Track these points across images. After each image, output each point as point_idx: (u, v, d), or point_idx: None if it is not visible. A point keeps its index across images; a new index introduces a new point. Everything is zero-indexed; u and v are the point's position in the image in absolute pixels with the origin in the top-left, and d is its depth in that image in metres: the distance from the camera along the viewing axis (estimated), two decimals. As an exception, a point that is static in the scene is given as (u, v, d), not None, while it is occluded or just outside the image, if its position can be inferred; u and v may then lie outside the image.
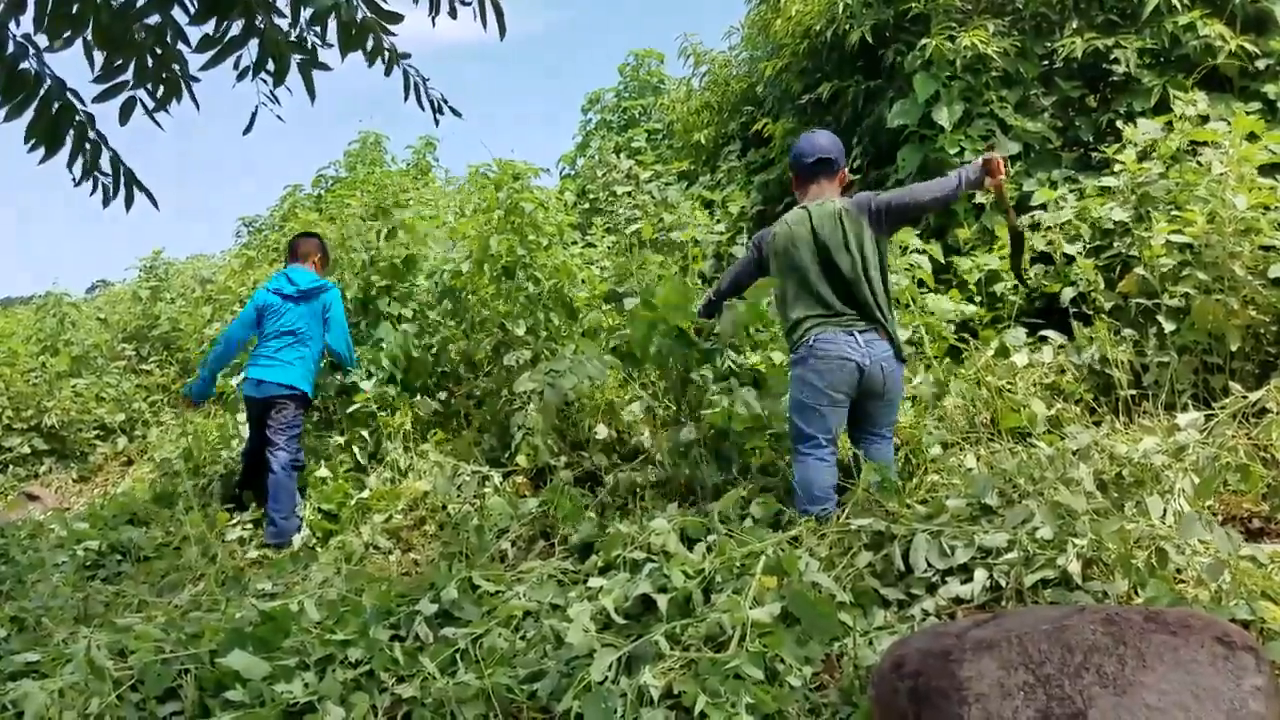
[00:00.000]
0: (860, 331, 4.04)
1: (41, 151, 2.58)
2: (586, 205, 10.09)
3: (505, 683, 2.86)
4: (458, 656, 3.10)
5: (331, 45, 2.62)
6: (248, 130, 2.81)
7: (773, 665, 2.74)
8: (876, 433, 4.19)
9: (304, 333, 5.78)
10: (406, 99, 3.01)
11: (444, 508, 4.98)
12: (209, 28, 2.43)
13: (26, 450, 9.16)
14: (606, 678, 2.78)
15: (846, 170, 4.46)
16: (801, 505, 3.96)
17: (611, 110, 13.19)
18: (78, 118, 2.62)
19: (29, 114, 2.52)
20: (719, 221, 8.66)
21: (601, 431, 4.78)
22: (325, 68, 2.67)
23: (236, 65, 2.53)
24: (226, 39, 2.44)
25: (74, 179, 2.68)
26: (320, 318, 5.86)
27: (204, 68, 2.51)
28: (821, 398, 4.01)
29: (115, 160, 2.78)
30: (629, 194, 9.66)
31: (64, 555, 5.12)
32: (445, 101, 3.14)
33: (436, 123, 3.20)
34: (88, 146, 2.63)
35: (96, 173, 2.75)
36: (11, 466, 9.11)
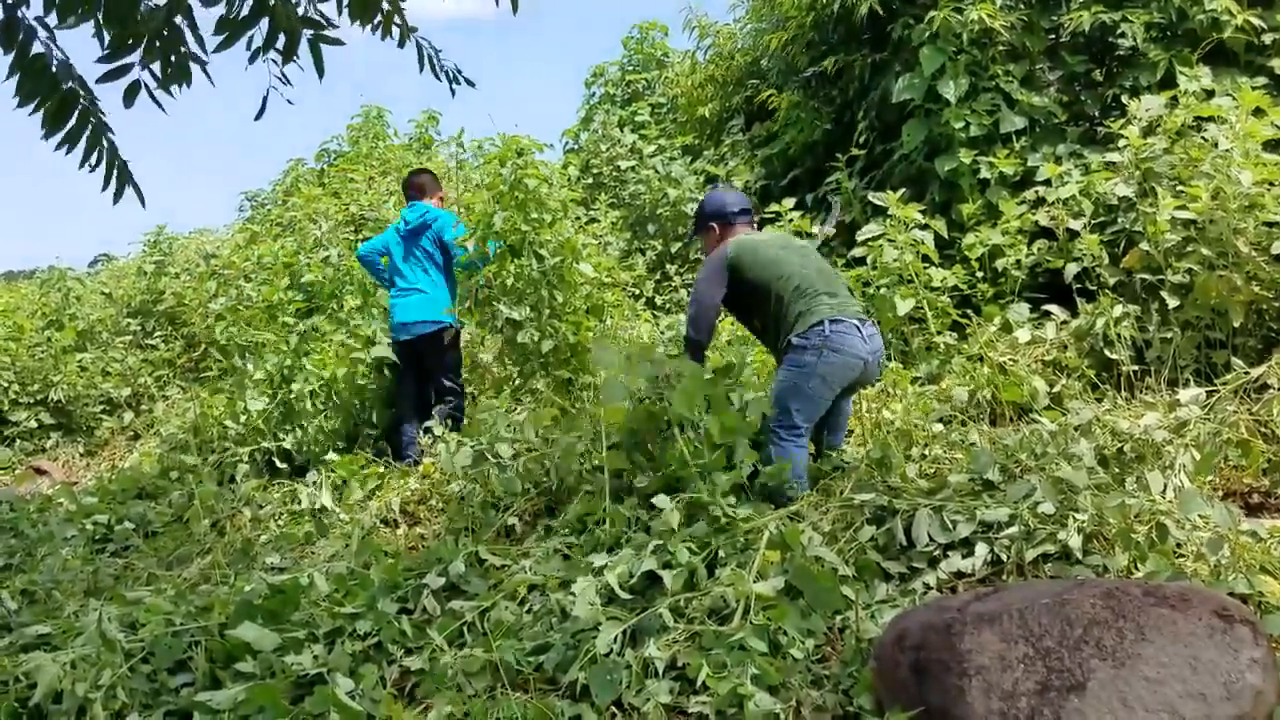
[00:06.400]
0: (863, 325, 4.05)
1: (58, 138, 2.57)
2: (590, 180, 10.07)
3: (512, 655, 2.90)
4: (465, 629, 3.14)
5: (338, 26, 2.63)
6: (259, 115, 2.81)
7: (776, 638, 2.77)
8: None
9: (418, 267, 6.01)
10: (422, 70, 3.02)
11: (450, 483, 5.00)
12: (221, 9, 2.43)
13: (33, 425, 9.20)
14: (612, 650, 2.82)
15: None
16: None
17: (615, 84, 13.13)
18: (82, 102, 2.61)
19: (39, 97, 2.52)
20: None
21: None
22: (338, 43, 2.67)
23: (249, 46, 2.53)
24: (239, 19, 2.44)
25: (89, 166, 2.68)
26: (435, 247, 6.04)
27: (217, 50, 2.51)
28: (826, 392, 4.00)
29: (112, 151, 2.77)
30: (633, 169, 9.66)
31: (73, 529, 5.15)
32: (460, 72, 3.16)
33: (453, 93, 3.22)
34: (88, 132, 2.63)
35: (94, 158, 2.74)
36: (18, 441, 9.16)
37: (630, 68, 13.23)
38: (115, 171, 2.80)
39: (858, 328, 3.96)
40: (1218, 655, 2.11)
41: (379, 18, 2.71)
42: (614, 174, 9.95)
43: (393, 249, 6.06)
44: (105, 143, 2.70)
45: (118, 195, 2.83)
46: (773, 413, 4.01)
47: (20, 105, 2.45)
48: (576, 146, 12.30)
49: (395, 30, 2.82)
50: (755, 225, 4.58)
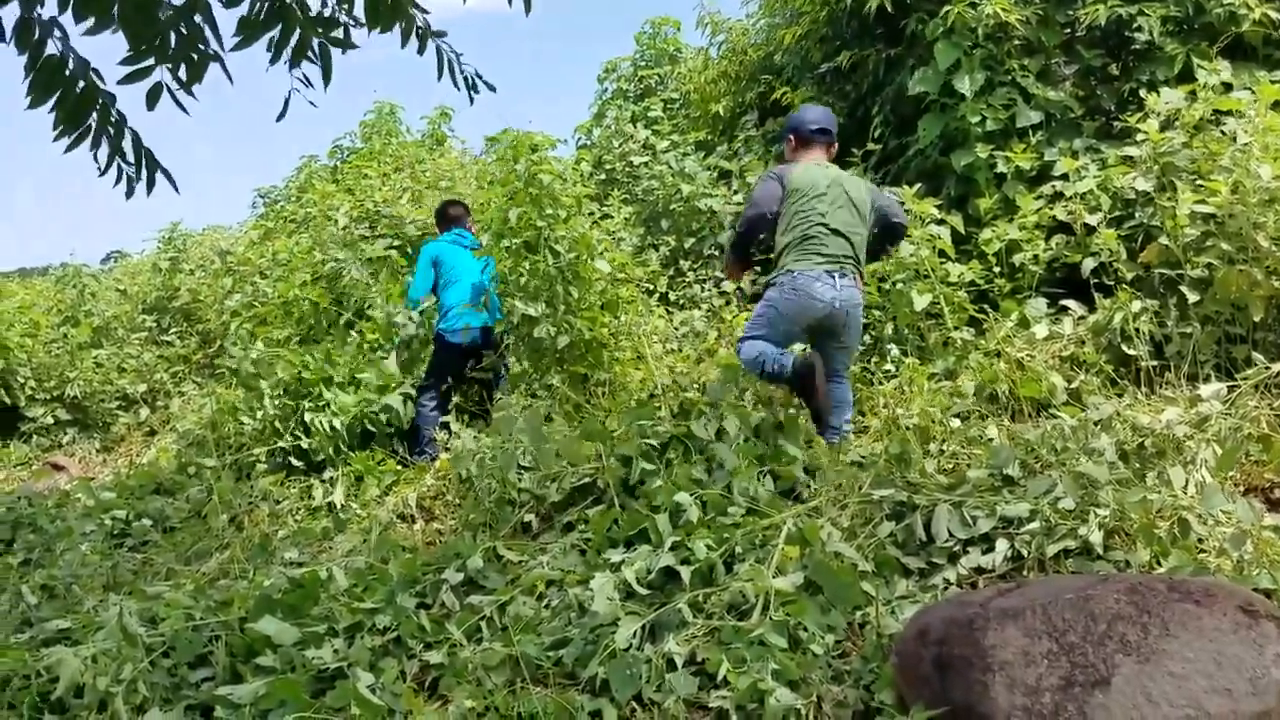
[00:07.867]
0: (839, 275, 4.47)
1: (68, 140, 2.56)
2: (603, 176, 10.07)
3: (531, 650, 2.90)
4: (483, 624, 3.14)
5: (362, 24, 2.61)
6: (281, 117, 2.80)
7: (796, 633, 2.76)
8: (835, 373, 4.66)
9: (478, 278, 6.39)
10: (440, 78, 3.01)
11: (465, 479, 5.00)
12: (243, 9, 2.41)
13: (50, 421, 9.28)
14: (631, 645, 2.82)
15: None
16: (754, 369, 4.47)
17: (628, 79, 13.11)
18: (100, 99, 2.59)
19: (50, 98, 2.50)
20: (737, 192, 8.64)
21: None
22: (353, 45, 2.66)
23: (270, 46, 2.52)
24: (259, 20, 2.43)
25: (99, 168, 2.66)
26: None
27: (234, 49, 2.50)
28: (784, 325, 4.51)
29: (137, 142, 2.75)
30: (645, 164, 9.65)
31: (91, 524, 5.19)
32: (479, 77, 3.14)
33: (471, 100, 3.21)
34: (110, 130, 2.61)
35: (120, 160, 2.72)
36: (35, 437, 9.22)
37: (643, 63, 13.21)
38: (144, 162, 2.78)
39: (829, 274, 4.43)
40: (1243, 650, 2.09)
41: (399, 25, 2.69)
42: (627, 170, 9.95)
43: (463, 264, 6.34)
44: (129, 135, 2.68)
45: (150, 185, 2.81)
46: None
47: (31, 106, 2.43)
48: (589, 142, 12.30)
49: (418, 34, 2.80)
50: (832, 148, 4.83)
